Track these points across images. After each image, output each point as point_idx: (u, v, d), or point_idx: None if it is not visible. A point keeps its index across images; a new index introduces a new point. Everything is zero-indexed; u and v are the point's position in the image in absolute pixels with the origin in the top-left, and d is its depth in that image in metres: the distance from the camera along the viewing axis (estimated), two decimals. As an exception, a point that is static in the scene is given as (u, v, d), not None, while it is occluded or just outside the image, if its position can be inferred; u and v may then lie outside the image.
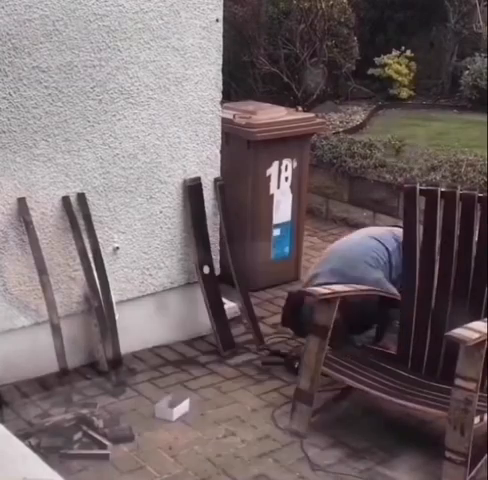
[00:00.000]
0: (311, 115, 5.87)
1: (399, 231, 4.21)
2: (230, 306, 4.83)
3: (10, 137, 3.83)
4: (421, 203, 3.94)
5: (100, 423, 3.69)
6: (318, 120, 5.77)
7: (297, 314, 4.37)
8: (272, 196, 5.39)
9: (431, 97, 10.35)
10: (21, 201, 3.91)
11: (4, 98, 3.78)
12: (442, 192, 3.88)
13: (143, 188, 4.33)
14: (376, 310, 4.22)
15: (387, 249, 4.40)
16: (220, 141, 4.60)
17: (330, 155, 6.91)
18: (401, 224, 4.09)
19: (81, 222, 4.07)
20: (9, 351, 3.93)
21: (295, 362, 4.15)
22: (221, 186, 4.61)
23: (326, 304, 3.66)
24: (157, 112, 4.29)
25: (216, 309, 4.57)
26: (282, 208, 5.46)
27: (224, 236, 4.68)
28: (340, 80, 9.86)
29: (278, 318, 5.01)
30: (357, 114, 9.12)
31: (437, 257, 3.87)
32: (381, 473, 3.48)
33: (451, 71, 10.34)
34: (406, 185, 4.08)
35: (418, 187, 3.93)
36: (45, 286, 3.91)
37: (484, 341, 3.21)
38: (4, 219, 3.89)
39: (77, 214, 4.07)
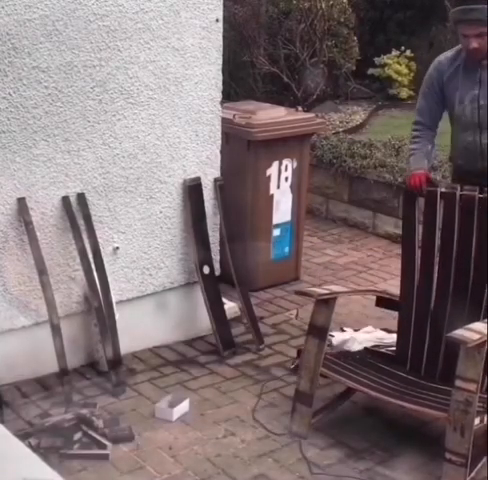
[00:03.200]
0: (311, 115, 5.87)
1: None
2: (230, 306, 4.83)
3: (10, 137, 3.83)
4: (421, 203, 3.94)
5: (100, 423, 3.68)
6: (318, 120, 5.77)
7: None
8: (272, 196, 5.39)
9: (431, 97, 10.34)
10: (21, 201, 3.90)
11: (4, 98, 3.77)
12: (442, 193, 3.88)
13: (143, 188, 4.32)
14: None
15: None
16: (220, 141, 4.59)
17: (330, 155, 6.90)
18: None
19: (81, 222, 4.07)
20: (9, 351, 3.93)
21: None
22: (221, 186, 4.61)
23: (324, 304, 3.65)
24: (157, 112, 4.29)
25: (216, 309, 4.56)
26: (282, 208, 5.46)
27: (224, 236, 4.68)
28: (340, 80, 9.86)
29: (278, 318, 5.02)
30: (357, 114, 9.13)
31: (436, 258, 3.87)
32: (381, 473, 3.47)
33: (451, 71, 10.33)
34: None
35: None
36: (45, 286, 3.91)
37: (484, 342, 3.20)
38: (4, 219, 3.89)
39: (77, 214, 4.07)
